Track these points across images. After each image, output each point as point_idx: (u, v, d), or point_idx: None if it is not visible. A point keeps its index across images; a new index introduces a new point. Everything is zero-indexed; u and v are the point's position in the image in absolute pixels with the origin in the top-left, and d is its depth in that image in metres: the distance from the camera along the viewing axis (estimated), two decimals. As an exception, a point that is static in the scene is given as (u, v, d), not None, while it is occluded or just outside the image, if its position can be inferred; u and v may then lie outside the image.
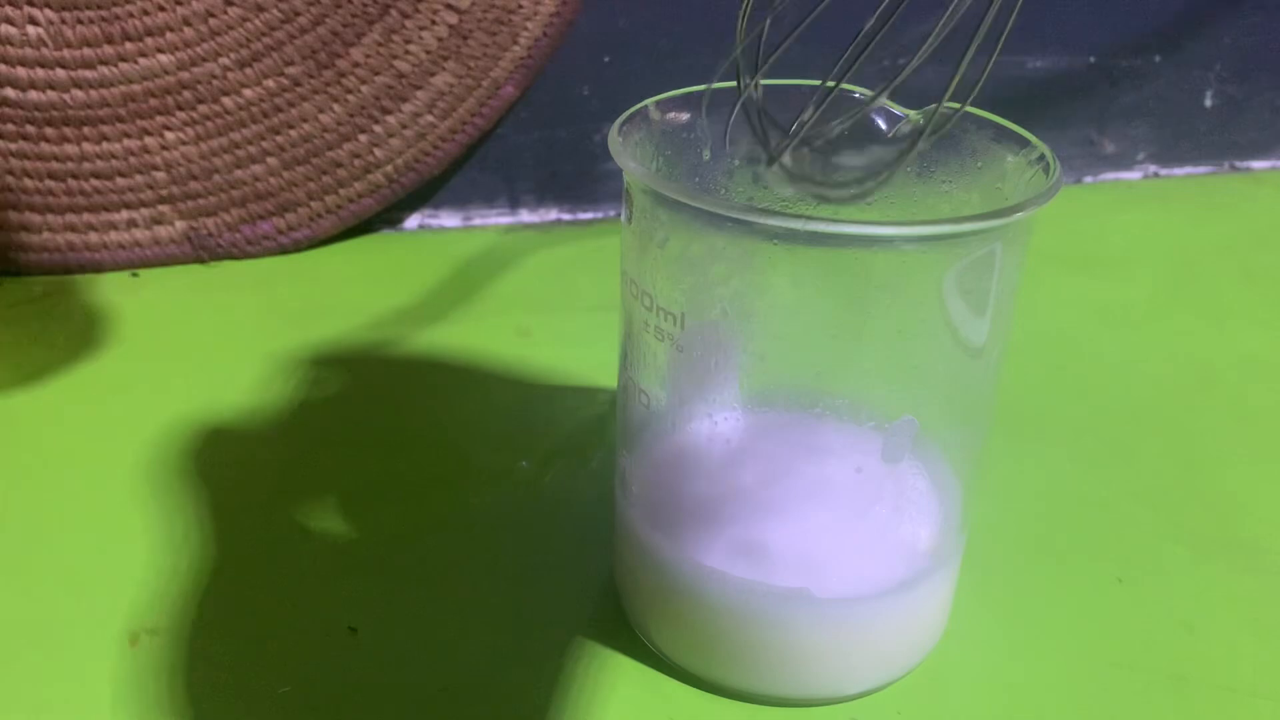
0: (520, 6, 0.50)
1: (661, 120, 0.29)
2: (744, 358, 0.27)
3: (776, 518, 0.28)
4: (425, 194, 0.55)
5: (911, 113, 0.28)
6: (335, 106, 0.50)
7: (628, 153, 0.26)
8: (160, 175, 0.49)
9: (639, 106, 0.28)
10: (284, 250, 0.52)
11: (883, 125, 0.28)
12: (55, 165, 0.48)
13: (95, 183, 0.49)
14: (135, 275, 0.50)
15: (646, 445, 0.29)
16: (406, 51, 0.49)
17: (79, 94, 0.47)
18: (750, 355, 0.27)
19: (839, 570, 0.27)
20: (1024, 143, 0.27)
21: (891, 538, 0.28)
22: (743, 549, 0.27)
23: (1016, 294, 0.27)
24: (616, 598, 0.32)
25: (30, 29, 0.46)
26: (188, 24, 0.47)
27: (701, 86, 0.29)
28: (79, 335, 0.46)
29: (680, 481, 0.29)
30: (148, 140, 0.48)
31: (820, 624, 0.27)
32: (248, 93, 0.48)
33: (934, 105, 0.26)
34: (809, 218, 0.23)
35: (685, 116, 0.29)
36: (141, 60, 0.47)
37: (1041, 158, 0.26)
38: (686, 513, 0.28)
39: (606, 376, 0.42)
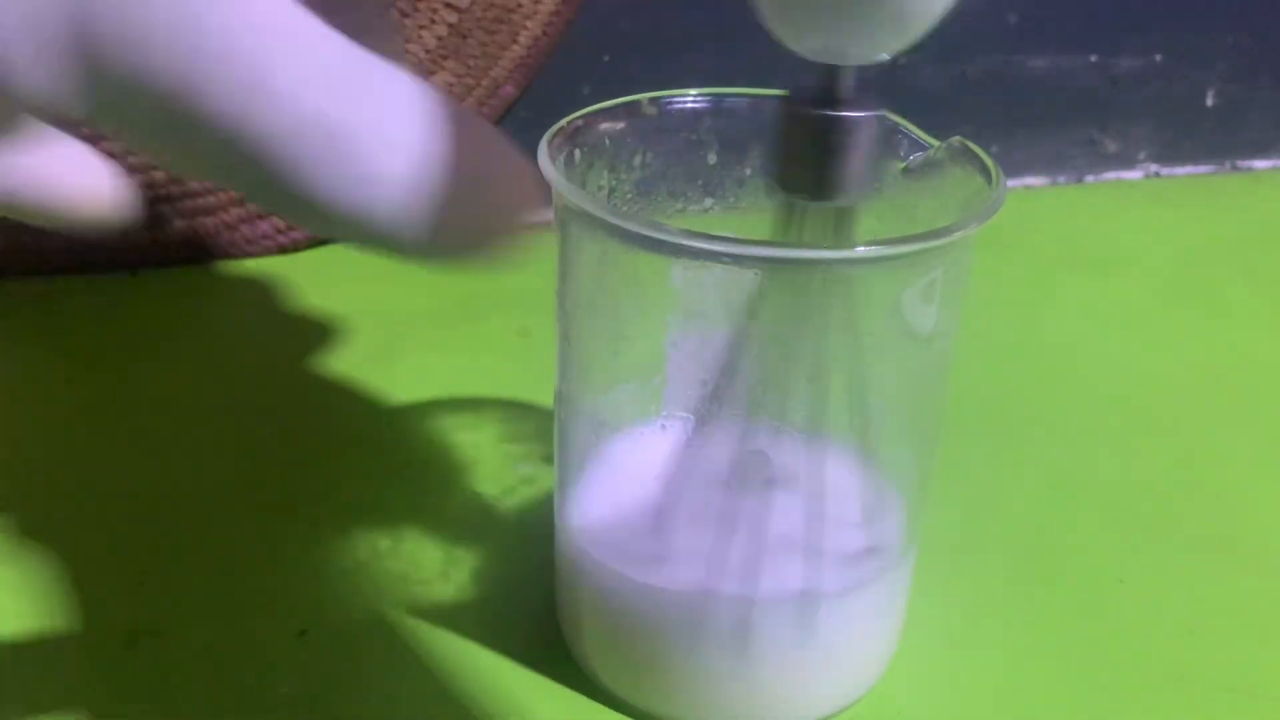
0: (520, 5, 0.50)
1: (599, 130, 0.27)
2: (682, 372, 0.26)
3: (709, 528, 0.27)
4: (425, 193, 0.55)
5: (935, 143, 0.27)
6: (335, 106, 0.49)
7: (550, 160, 0.24)
8: (159, 175, 0.49)
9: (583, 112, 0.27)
10: (283, 250, 0.52)
11: (905, 149, 0.27)
12: (55, 165, 0.48)
13: (95, 182, 0.48)
14: (134, 275, 0.50)
15: (578, 461, 0.29)
16: (406, 50, 0.49)
17: (79, 94, 0.47)
18: (687, 369, 0.26)
19: (772, 577, 0.26)
20: (973, 156, 0.26)
21: (822, 547, 0.27)
22: (672, 558, 0.27)
23: (962, 301, 0.26)
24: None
25: (30, 28, 0.46)
26: (188, 23, 0.47)
27: (693, 90, 0.28)
28: (78, 335, 0.46)
29: (608, 495, 0.28)
30: (148, 140, 0.48)
31: (752, 634, 0.26)
32: (248, 92, 0.48)
33: (953, 139, 0.26)
34: (731, 239, 0.22)
35: (620, 125, 0.28)
36: (141, 60, 0.47)
37: (985, 170, 0.25)
38: (614, 526, 0.28)
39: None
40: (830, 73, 0.21)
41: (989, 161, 0.25)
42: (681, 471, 0.27)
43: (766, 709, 0.28)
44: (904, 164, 0.27)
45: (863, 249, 0.22)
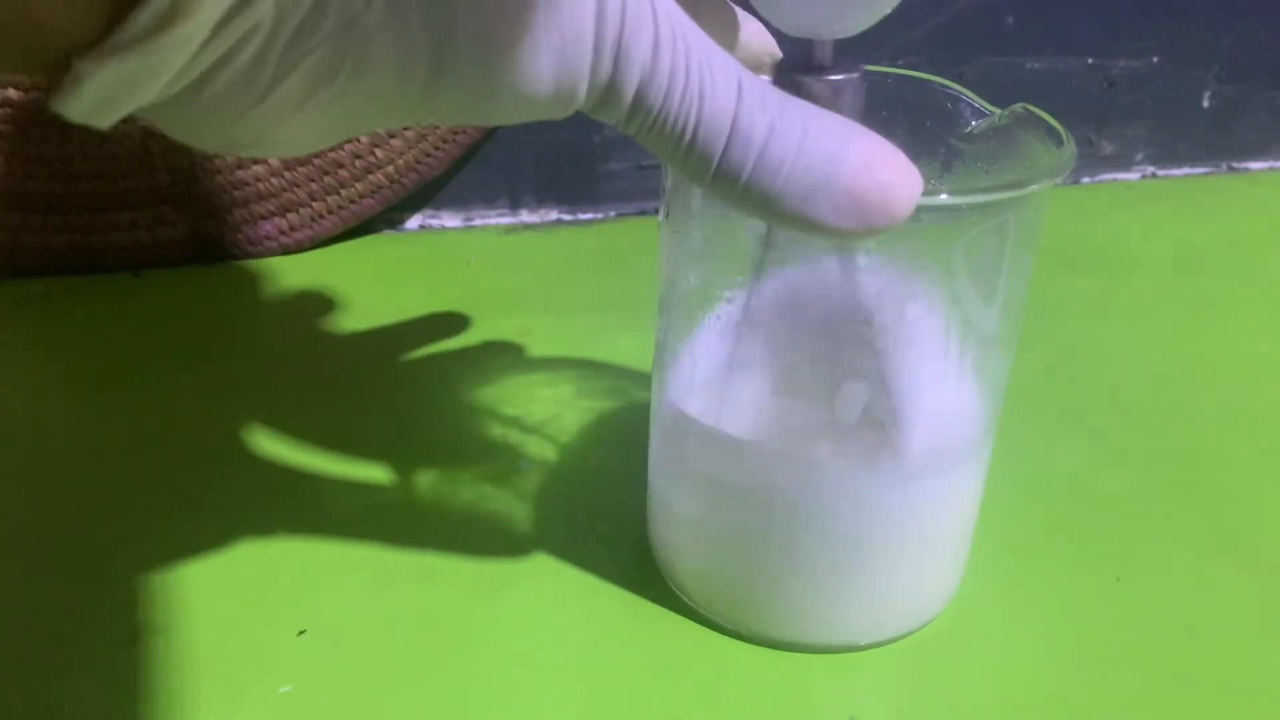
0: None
1: None
2: (764, 317, 0.28)
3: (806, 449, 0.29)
4: (426, 194, 0.55)
5: (997, 110, 0.29)
6: (336, 107, 0.50)
7: None
8: (162, 176, 0.49)
9: None
10: (285, 251, 0.52)
11: (968, 116, 0.29)
12: (58, 166, 0.48)
13: (98, 184, 0.49)
14: (137, 276, 0.50)
15: (677, 396, 0.31)
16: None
17: (80, 95, 0.47)
18: (770, 318, 0.28)
19: (851, 470, 0.29)
20: (1052, 130, 0.27)
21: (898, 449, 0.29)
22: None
23: (1029, 279, 0.28)
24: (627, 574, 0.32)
25: (31, 30, 0.46)
26: (189, 25, 0.47)
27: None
28: (80, 336, 0.46)
29: (707, 428, 0.30)
30: (150, 142, 0.48)
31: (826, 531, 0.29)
32: (248, 94, 0.48)
33: (1017, 106, 0.28)
34: None
35: None
36: (142, 61, 0.47)
37: (1060, 142, 0.27)
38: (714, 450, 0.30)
39: (607, 376, 0.43)
40: (811, 45, 0.25)
41: (1056, 125, 0.27)
42: (764, 402, 0.29)
43: (837, 626, 0.30)
44: (968, 130, 0.29)
45: (945, 196, 0.24)
